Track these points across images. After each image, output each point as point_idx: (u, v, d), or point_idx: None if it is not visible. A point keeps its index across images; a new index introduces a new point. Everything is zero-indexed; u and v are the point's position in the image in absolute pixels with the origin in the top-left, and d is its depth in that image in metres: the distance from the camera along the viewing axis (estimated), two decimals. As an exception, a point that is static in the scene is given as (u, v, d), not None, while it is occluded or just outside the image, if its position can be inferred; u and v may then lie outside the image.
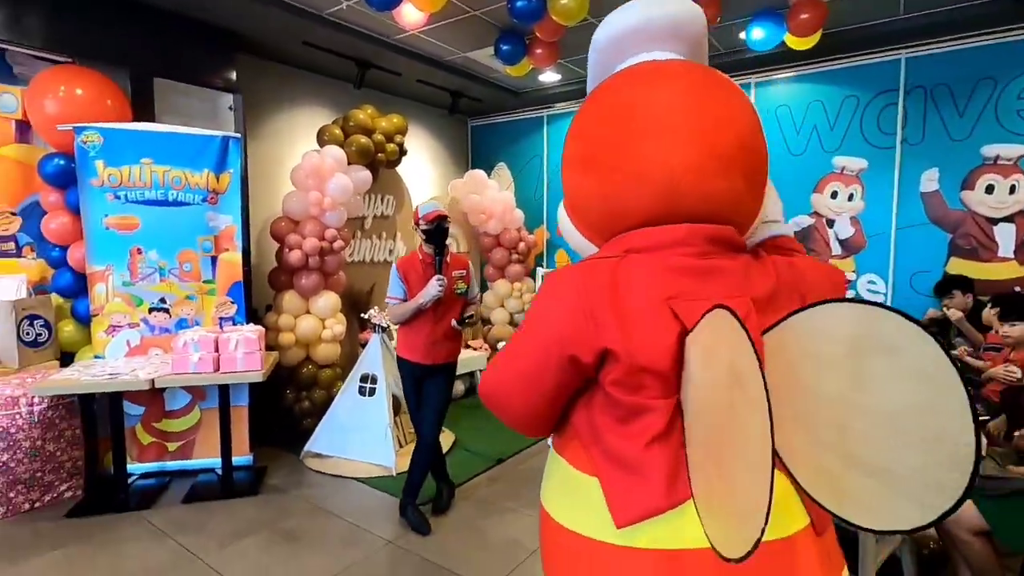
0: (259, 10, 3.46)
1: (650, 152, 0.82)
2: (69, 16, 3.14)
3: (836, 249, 4.33)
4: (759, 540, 0.62)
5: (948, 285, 3.61)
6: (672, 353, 0.79)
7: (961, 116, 3.81)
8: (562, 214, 1.02)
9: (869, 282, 4.21)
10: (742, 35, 3.90)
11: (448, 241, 2.64)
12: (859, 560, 1.84)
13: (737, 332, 0.67)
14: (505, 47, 3.94)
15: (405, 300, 2.62)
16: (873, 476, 0.67)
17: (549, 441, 1.03)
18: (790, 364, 0.74)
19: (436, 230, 2.57)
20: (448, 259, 2.64)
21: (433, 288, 2.51)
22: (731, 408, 0.69)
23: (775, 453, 0.70)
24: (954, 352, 3.25)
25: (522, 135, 6.02)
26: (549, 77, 5.08)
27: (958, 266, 3.86)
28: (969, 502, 1.89)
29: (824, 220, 4.35)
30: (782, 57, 4.13)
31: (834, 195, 4.30)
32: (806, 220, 4.40)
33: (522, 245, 5.44)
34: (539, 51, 3.97)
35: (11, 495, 2.73)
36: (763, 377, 0.62)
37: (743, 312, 0.77)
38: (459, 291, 2.69)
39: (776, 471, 0.73)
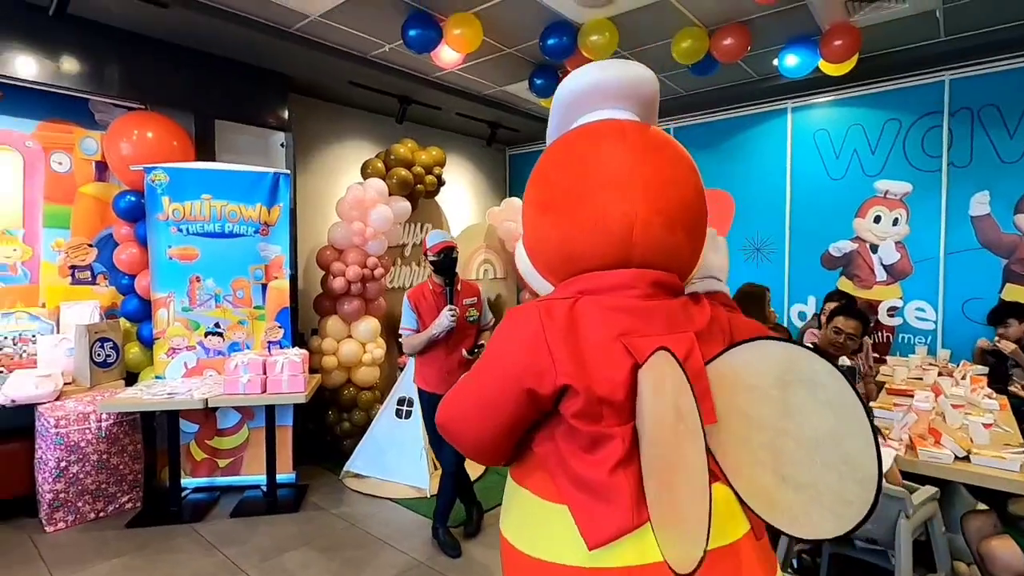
0: (311, 55, 3.74)
1: (608, 205, 0.92)
2: (143, 67, 3.47)
3: (881, 275, 4.20)
4: (703, 557, 0.70)
5: (1003, 313, 3.44)
6: (626, 385, 0.86)
7: (1012, 137, 3.68)
8: (521, 253, 1.10)
9: (917, 309, 4.06)
10: (775, 62, 3.91)
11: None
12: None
13: (676, 372, 0.75)
14: (539, 81, 4.09)
15: (418, 331, 2.65)
16: (800, 491, 0.77)
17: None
18: (729, 393, 0.84)
19: (444, 260, 2.63)
20: (459, 287, 2.67)
21: (445, 319, 2.54)
22: (675, 439, 0.77)
23: (720, 468, 0.82)
24: (1011, 388, 3.10)
25: (558, 163, 6.13)
26: (584, 107, 5.19)
27: (1014, 293, 3.69)
28: (1012, 543, 1.81)
29: (867, 245, 4.24)
30: (819, 82, 4.11)
31: (877, 219, 4.20)
32: (848, 245, 4.30)
33: (558, 270, 5.50)
34: (572, 84, 4.09)
35: (79, 504, 2.96)
36: (698, 412, 0.70)
37: (687, 346, 0.88)
38: (471, 319, 2.73)
39: (720, 484, 0.85)
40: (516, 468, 1.03)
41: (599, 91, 1.03)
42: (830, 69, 3.63)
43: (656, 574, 0.82)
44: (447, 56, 3.55)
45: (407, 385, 3.59)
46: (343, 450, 3.86)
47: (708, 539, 0.69)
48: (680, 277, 0.99)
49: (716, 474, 0.87)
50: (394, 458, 3.50)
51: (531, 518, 0.96)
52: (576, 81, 1.04)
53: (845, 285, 4.32)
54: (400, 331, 2.74)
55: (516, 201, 5.50)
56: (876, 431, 0.69)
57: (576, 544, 0.87)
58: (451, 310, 2.56)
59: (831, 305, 3.46)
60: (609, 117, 1.02)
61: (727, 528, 0.86)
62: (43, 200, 3.32)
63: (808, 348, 0.78)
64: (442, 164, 4.67)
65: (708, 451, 0.82)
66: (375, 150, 4.80)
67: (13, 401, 2.85)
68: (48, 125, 3.33)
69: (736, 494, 0.86)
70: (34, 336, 3.18)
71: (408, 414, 3.53)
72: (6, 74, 3.03)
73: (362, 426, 3.88)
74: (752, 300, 3.18)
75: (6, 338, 3.10)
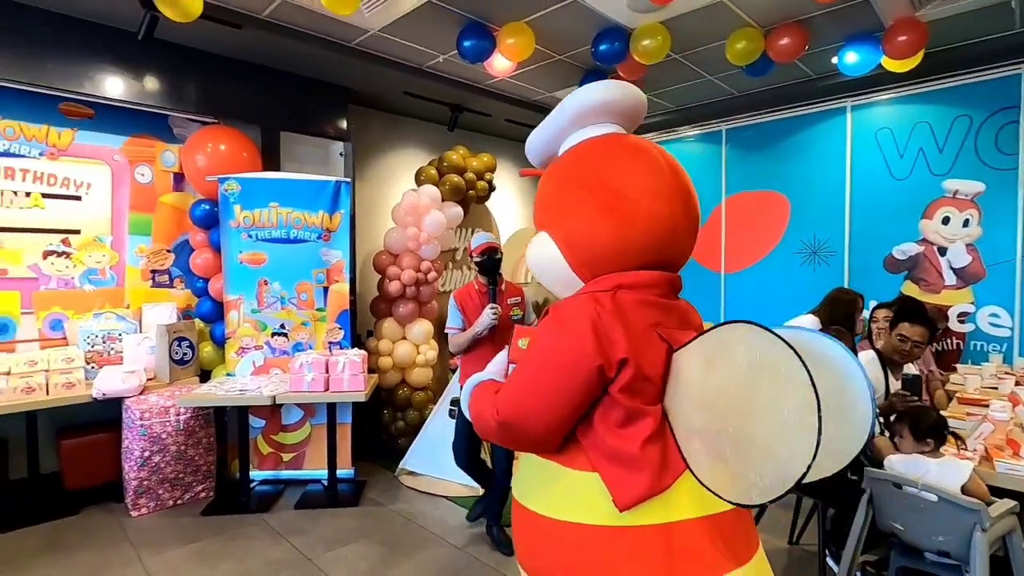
0: (369, 67, 3.90)
1: (659, 210, 1.09)
2: (216, 84, 3.71)
3: (950, 279, 4.00)
4: (799, 482, 0.80)
5: (1089, 319, 3.23)
6: (663, 365, 1.04)
7: (1098, 132, 3.45)
8: (546, 249, 1.18)
9: (991, 315, 3.84)
10: (834, 60, 3.81)
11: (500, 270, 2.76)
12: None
13: (774, 340, 0.86)
14: (589, 86, 4.11)
15: (463, 330, 2.74)
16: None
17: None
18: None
19: (487, 261, 2.73)
20: (503, 287, 2.76)
21: (487, 317, 2.62)
22: (749, 396, 0.89)
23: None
24: None
25: (606, 166, 6.14)
26: (633, 110, 5.18)
27: (1102, 298, 3.44)
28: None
29: (935, 248, 4.05)
30: (881, 78, 3.97)
31: (946, 221, 4.00)
32: (913, 248, 4.12)
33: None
34: (622, 88, 4.10)
35: (159, 492, 3.18)
36: (804, 364, 0.82)
37: (687, 334, 1.08)
38: (515, 317, 2.79)
39: None
40: (553, 452, 1.12)
41: (607, 108, 1.19)
42: (893, 66, 3.51)
43: (669, 531, 0.98)
44: (499, 65, 3.63)
45: (459, 386, 3.68)
46: (398, 448, 3.99)
47: (806, 473, 0.79)
48: (678, 271, 1.20)
49: None
50: (447, 457, 3.55)
51: (563, 487, 1.07)
52: (589, 96, 1.18)
53: (910, 289, 4.14)
54: (446, 330, 2.84)
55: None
56: (872, 387, 0.92)
57: (604, 507, 1.00)
58: (493, 308, 2.63)
59: (882, 313, 3.32)
60: (608, 132, 1.20)
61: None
62: (128, 209, 3.60)
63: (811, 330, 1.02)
64: (492, 170, 4.76)
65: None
66: (428, 157, 4.94)
67: (104, 394, 3.09)
68: (133, 140, 3.60)
69: None
70: (120, 335, 3.44)
71: (460, 414, 3.61)
72: (98, 94, 3.30)
73: (416, 425, 3.99)
74: (840, 307, 3.07)
75: (97, 336, 3.37)
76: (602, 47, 3.45)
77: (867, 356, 2.59)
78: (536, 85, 4.49)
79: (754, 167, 4.95)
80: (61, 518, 3.06)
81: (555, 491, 1.08)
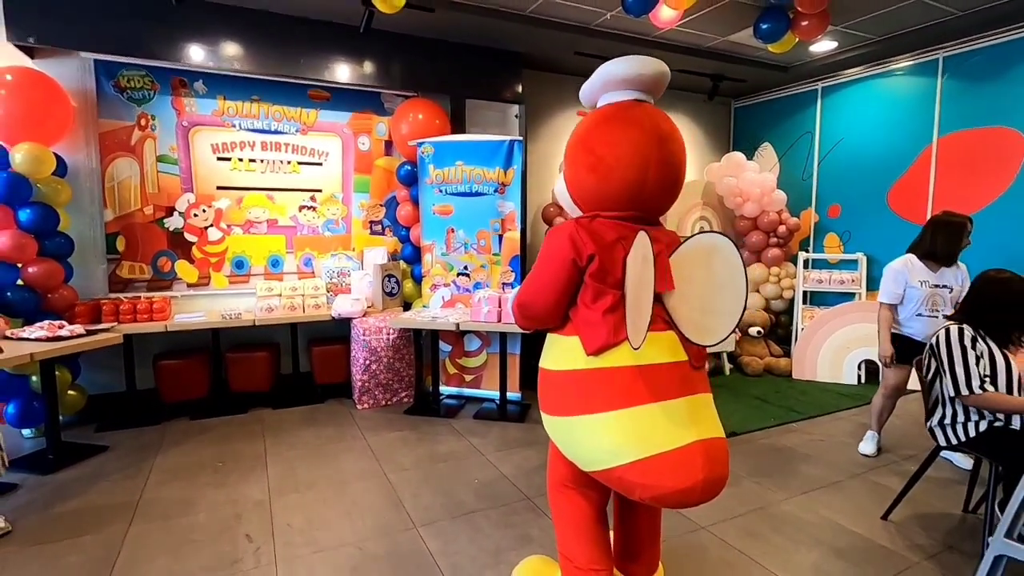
0: (541, 32, 4.23)
1: (631, 175, 1.50)
2: (415, 62, 4.37)
3: None
4: (646, 334, 1.37)
5: None
6: (621, 265, 1.49)
7: None
8: (561, 186, 1.70)
9: None
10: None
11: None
12: None
13: (646, 240, 1.38)
14: (764, 26, 3.90)
15: None
16: (714, 316, 1.42)
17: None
18: (679, 270, 1.48)
19: None
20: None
21: None
22: (643, 276, 1.39)
23: (671, 319, 1.51)
24: None
25: (790, 112, 5.67)
26: (823, 46, 4.72)
27: None
28: None
29: None
30: None
31: None
32: None
33: (782, 228, 5.20)
34: (804, 23, 3.82)
35: (376, 393, 4.08)
36: (653, 257, 1.37)
37: (657, 248, 1.47)
38: None
39: (671, 331, 1.50)
40: (556, 329, 1.63)
41: (628, 80, 1.55)
42: None
43: (620, 373, 1.44)
44: (664, 15, 3.66)
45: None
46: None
47: (650, 325, 1.36)
48: (657, 215, 1.62)
49: (669, 324, 1.50)
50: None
51: (561, 350, 1.58)
52: (613, 70, 1.55)
53: None
54: None
55: (737, 156, 5.32)
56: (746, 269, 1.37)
57: (583, 358, 1.49)
58: None
59: None
60: (629, 98, 1.56)
61: (675, 354, 1.47)
62: (353, 172, 4.51)
63: (716, 232, 1.44)
64: (659, 122, 4.78)
65: (665, 309, 1.51)
66: (596, 114, 5.14)
67: (339, 315, 4.04)
68: (356, 115, 4.47)
69: (679, 336, 1.48)
70: (348, 271, 4.40)
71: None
72: (334, 80, 4.17)
73: (576, 363, 4.39)
74: (940, 228, 2.95)
75: (333, 271, 4.37)
76: (776, -18, 3.28)
77: None
78: (707, 31, 4.37)
79: (980, 100, 4.21)
80: (312, 404, 4.14)
81: (555, 351, 1.59)
